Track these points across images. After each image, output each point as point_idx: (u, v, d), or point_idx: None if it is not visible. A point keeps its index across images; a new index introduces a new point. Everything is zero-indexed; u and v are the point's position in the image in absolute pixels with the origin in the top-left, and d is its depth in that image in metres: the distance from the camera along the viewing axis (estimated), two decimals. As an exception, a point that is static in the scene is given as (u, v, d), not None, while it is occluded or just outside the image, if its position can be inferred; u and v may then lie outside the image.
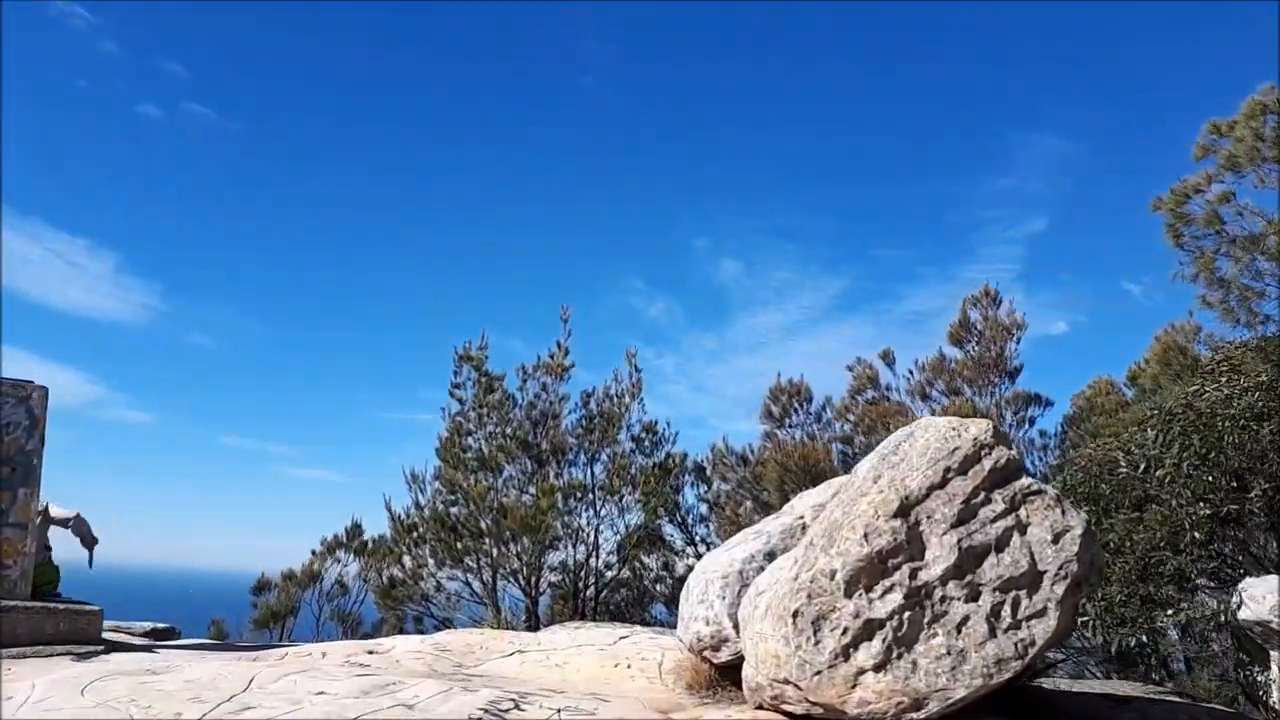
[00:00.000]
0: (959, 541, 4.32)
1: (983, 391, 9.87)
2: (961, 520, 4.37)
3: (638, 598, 11.32)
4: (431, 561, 10.03)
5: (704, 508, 12.35)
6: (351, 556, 14.43)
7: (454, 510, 10.35)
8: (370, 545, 12.99)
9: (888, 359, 11.24)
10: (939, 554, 4.31)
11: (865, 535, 4.36)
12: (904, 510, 4.41)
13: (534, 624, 9.90)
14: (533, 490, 10.36)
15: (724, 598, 6.03)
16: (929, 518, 4.41)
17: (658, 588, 11.85)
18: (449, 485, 10.31)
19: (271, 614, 13.06)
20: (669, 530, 12.05)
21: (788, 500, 10.10)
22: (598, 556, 10.68)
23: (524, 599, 10.02)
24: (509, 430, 10.62)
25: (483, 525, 9.64)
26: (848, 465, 10.26)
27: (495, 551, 9.58)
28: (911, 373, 10.97)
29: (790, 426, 10.81)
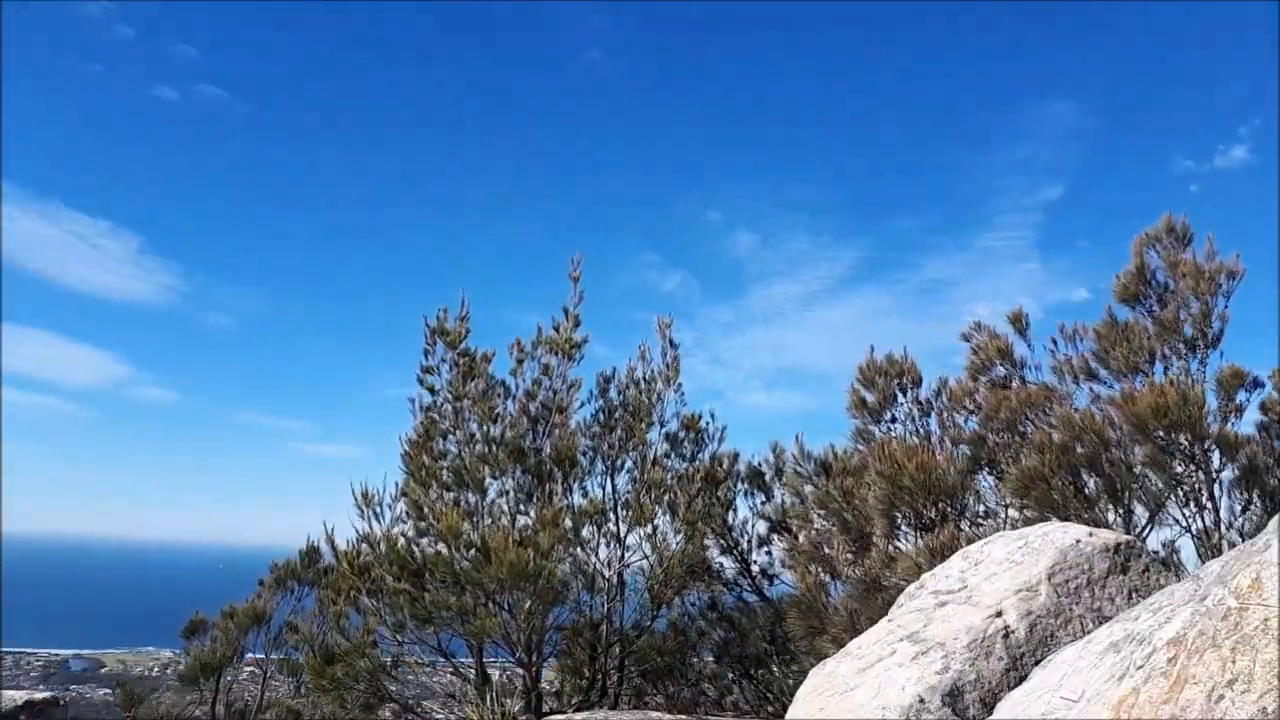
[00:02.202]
0: None
1: (1177, 367, 7.10)
2: None
3: (678, 653, 8.67)
4: (391, 618, 7.43)
5: (762, 526, 9.70)
6: (307, 589, 12.03)
7: (423, 544, 7.75)
8: (329, 577, 10.48)
9: (1019, 324, 8.46)
10: None
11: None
12: None
13: (534, 705, 7.32)
14: (530, 515, 7.73)
15: (880, 798, 3.35)
16: None
17: (703, 635, 9.23)
18: (414, 509, 7.70)
19: (202, 667, 10.61)
20: (717, 558, 9.41)
21: (895, 528, 7.44)
22: (622, 602, 8.05)
23: (520, 669, 7.42)
24: (497, 431, 7.97)
25: (457, 569, 7.02)
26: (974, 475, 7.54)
27: (477, 607, 6.97)
28: (1055, 343, 8.21)
29: (889, 421, 8.08)
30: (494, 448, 7.87)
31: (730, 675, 9.15)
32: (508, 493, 8.39)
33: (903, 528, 7.01)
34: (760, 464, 9.83)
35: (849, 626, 6.63)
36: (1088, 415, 6.65)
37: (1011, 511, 7.23)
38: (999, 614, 3.77)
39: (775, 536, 9.52)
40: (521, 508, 7.93)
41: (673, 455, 8.73)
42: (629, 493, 8.38)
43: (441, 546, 7.25)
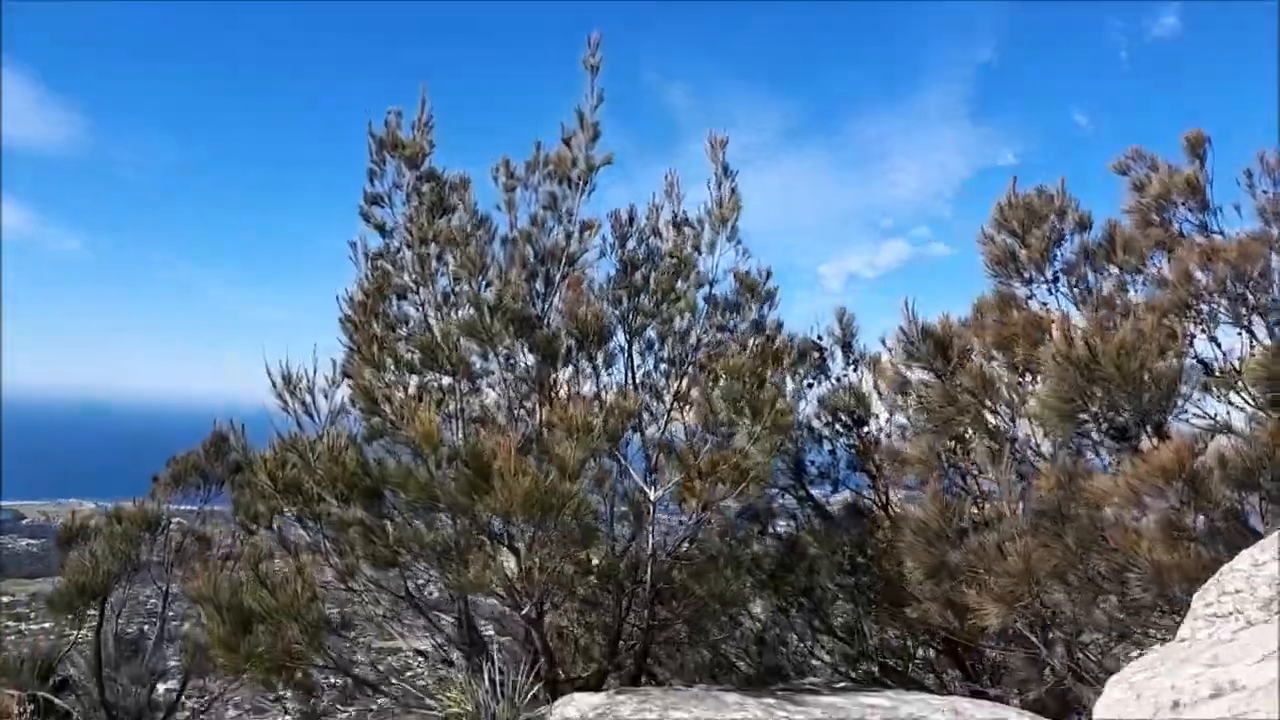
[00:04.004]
0: None
1: None
2: None
3: (736, 598, 6.59)
4: (337, 560, 5.20)
5: (818, 421, 7.61)
6: (215, 488, 9.70)
7: (378, 448, 5.46)
8: (245, 472, 8.16)
9: (1198, 150, 6.26)
10: None
11: None
12: None
13: (544, 675, 5.24)
14: (534, 413, 5.46)
15: None
16: None
17: (757, 562, 7.20)
18: (365, 399, 5.35)
19: (80, 590, 8.32)
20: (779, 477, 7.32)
21: (1082, 435, 5.35)
22: (654, 532, 5.91)
23: (525, 626, 5.31)
24: (489, 291, 5.59)
25: (438, 492, 4.76)
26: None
27: (466, 545, 4.78)
28: (1250, 176, 6.07)
29: (1038, 282, 5.91)
30: (482, 312, 5.48)
31: (781, 609, 7.24)
32: (491, 374, 6.09)
33: (1093, 435, 4.94)
34: (821, 336, 7.69)
35: (1024, 576, 4.62)
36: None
37: (1233, 408, 5.23)
38: None
39: (840, 430, 7.48)
40: (522, 404, 5.65)
41: (721, 327, 6.47)
42: (665, 379, 6.17)
43: (414, 454, 4.96)
